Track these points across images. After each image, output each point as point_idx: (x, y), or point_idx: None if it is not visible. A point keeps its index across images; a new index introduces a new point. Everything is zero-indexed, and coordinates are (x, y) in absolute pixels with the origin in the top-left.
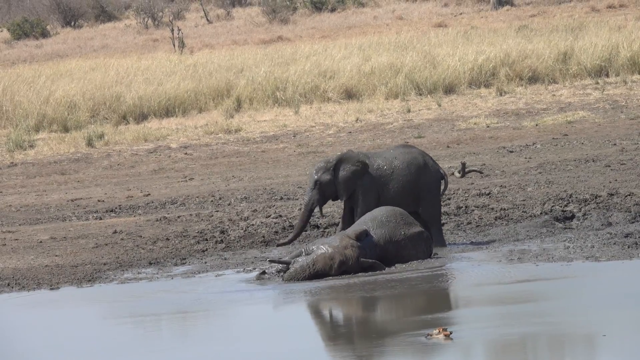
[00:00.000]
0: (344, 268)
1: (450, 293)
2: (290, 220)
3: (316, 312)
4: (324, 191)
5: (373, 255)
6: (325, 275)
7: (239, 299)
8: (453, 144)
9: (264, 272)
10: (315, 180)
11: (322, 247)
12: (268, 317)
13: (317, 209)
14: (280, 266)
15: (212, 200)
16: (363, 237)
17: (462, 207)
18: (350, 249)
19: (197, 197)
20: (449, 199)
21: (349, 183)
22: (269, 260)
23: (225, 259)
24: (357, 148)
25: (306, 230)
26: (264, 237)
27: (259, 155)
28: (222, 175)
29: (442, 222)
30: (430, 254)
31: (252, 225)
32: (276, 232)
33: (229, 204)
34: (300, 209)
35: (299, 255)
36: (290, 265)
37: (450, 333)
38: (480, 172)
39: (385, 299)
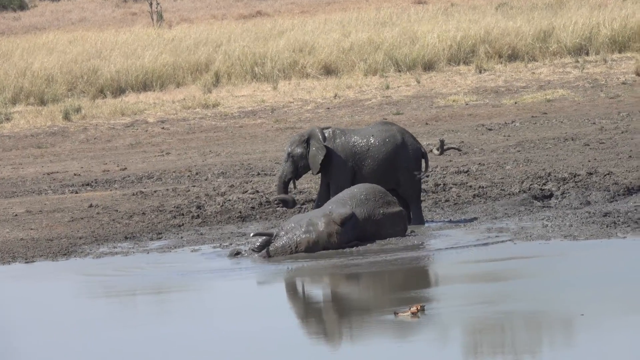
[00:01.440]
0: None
1: (427, 271)
2: (267, 196)
3: (292, 291)
4: (297, 164)
5: (353, 236)
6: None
7: (215, 276)
8: (432, 121)
9: (238, 252)
10: (288, 152)
11: (306, 229)
12: (243, 294)
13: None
14: (257, 242)
15: (188, 175)
16: (347, 222)
17: (440, 184)
18: (334, 236)
19: (174, 171)
20: (427, 176)
21: (317, 159)
22: (252, 235)
23: (201, 234)
24: (336, 124)
25: (282, 206)
26: (240, 212)
27: (236, 130)
28: (199, 150)
29: (421, 200)
30: (405, 232)
31: (229, 200)
32: (253, 207)
33: (205, 179)
34: (276, 184)
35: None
36: (273, 239)
37: (423, 309)
38: (459, 150)
39: (361, 277)
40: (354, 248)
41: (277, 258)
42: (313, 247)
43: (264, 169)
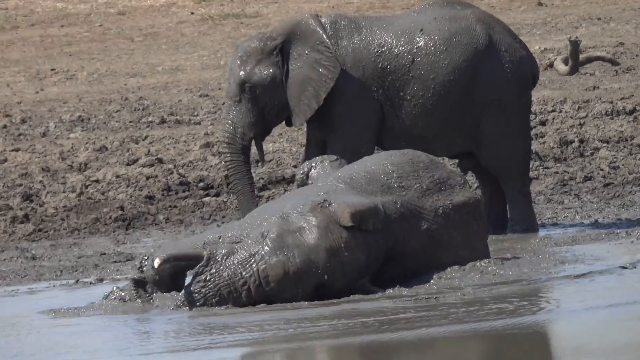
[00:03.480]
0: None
1: (548, 340)
2: (181, 170)
3: None
4: (264, 105)
5: (377, 256)
6: None
7: (67, 350)
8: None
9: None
10: (242, 80)
11: (277, 244)
12: None
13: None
14: (154, 266)
15: (5, 126)
16: (367, 221)
17: (572, 141)
18: (340, 254)
19: None
20: (543, 124)
21: (318, 91)
22: (160, 259)
23: (33, 257)
24: (336, 8)
25: (219, 195)
26: (122, 208)
27: (111, 22)
28: (28, 67)
29: (529, 177)
30: (487, 251)
31: (96, 181)
32: (150, 197)
33: (43, 135)
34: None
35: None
36: (202, 267)
37: None
38: (613, 63)
39: (414, 352)
40: (380, 293)
41: (213, 310)
42: (296, 283)
43: (174, 110)
